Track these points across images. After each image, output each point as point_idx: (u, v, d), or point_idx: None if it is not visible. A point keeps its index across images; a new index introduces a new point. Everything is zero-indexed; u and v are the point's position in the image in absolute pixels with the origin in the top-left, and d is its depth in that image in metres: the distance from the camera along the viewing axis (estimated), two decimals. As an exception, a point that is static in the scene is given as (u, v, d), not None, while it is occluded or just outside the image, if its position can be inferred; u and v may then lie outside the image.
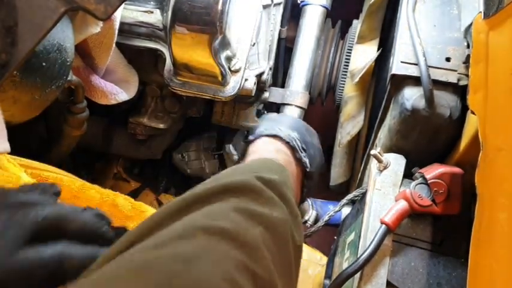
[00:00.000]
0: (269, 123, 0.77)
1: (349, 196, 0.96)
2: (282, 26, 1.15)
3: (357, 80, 1.11)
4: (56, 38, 0.70)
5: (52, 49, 0.69)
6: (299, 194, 0.74)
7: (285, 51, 1.24)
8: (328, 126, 1.37)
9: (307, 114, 1.21)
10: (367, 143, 1.11)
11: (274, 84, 1.23)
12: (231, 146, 1.27)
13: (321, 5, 1.19)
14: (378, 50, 1.17)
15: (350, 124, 1.18)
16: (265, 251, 0.43)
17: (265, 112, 1.24)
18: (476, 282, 0.55)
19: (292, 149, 0.72)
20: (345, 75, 1.20)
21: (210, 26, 0.85)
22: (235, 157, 1.27)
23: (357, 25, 1.23)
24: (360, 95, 1.16)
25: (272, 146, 0.71)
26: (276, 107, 1.26)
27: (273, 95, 1.19)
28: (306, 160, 0.73)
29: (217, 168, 1.33)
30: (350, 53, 1.20)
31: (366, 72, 1.09)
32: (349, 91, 1.18)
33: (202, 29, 0.85)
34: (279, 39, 1.17)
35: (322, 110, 1.43)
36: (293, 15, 1.23)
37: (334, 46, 1.24)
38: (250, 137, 0.75)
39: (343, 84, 1.20)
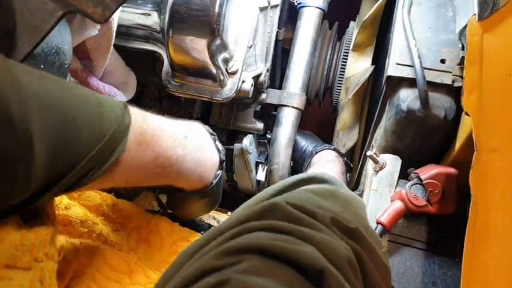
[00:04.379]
0: (314, 140, 1.24)
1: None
2: (279, 27, 1.15)
3: (350, 97, 1.14)
4: (54, 40, 0.70)
5: (50, 52, 0.70)
6: (345, 181, 1.09)
7: (282, 52, 1.24)
8: (325, 127, 1.37)
9: (305, 115, 1.21)
10: (364, 144, 1.12)
11: (272, 85, 1.24)
12: (248, 142, 1.18)
13: (318, 7, 1.19)
14: (374, 55, 1.18)
15: (345, 136, 1.21)
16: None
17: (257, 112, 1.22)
18: (470, 281, 0.56)
19: (340, 155, 1.14)
20: (342, 76, 1.20)
21: (207, 29, 0.85)
22: (250, 156, 1.21)
23: (353, 27, 1.24)
24: (355, 104, 1.18)
25: (331, 155, 1.12)
26: (274, 108, 1.26)
27: (270, 96, 1.19)
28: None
29: None
30: (347, 54, 1.20)
31: (359, 88, 1.11)
32: (345, 97, 1.19)
33: (199, 31, 0.86)
34: (276, 41, 1.17)
35: (319, 111, 1.44)
36: (290, 17, 1.23)
37: (331, 48, 1.25)
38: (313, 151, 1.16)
39: (340, 85, 1.21)
